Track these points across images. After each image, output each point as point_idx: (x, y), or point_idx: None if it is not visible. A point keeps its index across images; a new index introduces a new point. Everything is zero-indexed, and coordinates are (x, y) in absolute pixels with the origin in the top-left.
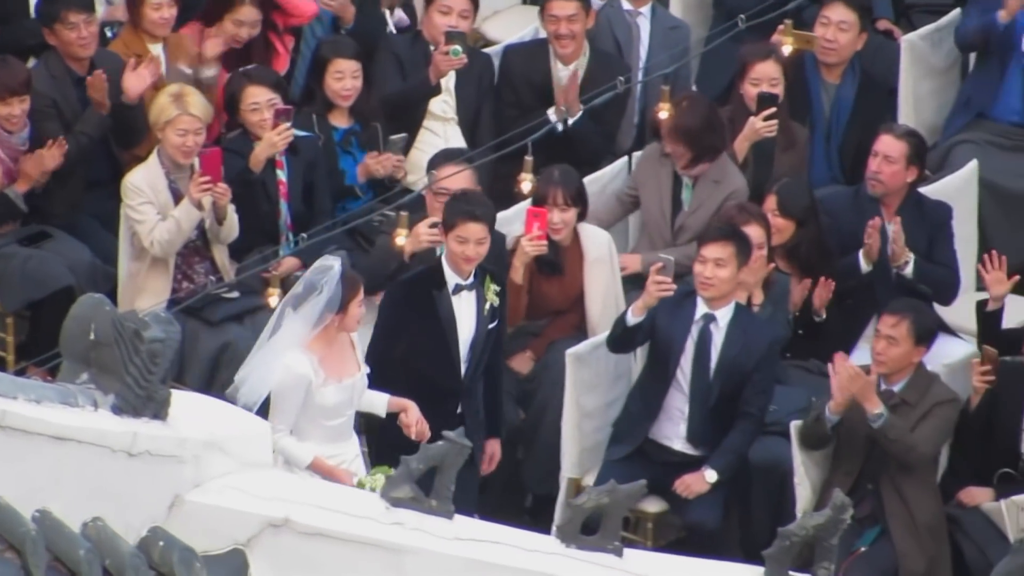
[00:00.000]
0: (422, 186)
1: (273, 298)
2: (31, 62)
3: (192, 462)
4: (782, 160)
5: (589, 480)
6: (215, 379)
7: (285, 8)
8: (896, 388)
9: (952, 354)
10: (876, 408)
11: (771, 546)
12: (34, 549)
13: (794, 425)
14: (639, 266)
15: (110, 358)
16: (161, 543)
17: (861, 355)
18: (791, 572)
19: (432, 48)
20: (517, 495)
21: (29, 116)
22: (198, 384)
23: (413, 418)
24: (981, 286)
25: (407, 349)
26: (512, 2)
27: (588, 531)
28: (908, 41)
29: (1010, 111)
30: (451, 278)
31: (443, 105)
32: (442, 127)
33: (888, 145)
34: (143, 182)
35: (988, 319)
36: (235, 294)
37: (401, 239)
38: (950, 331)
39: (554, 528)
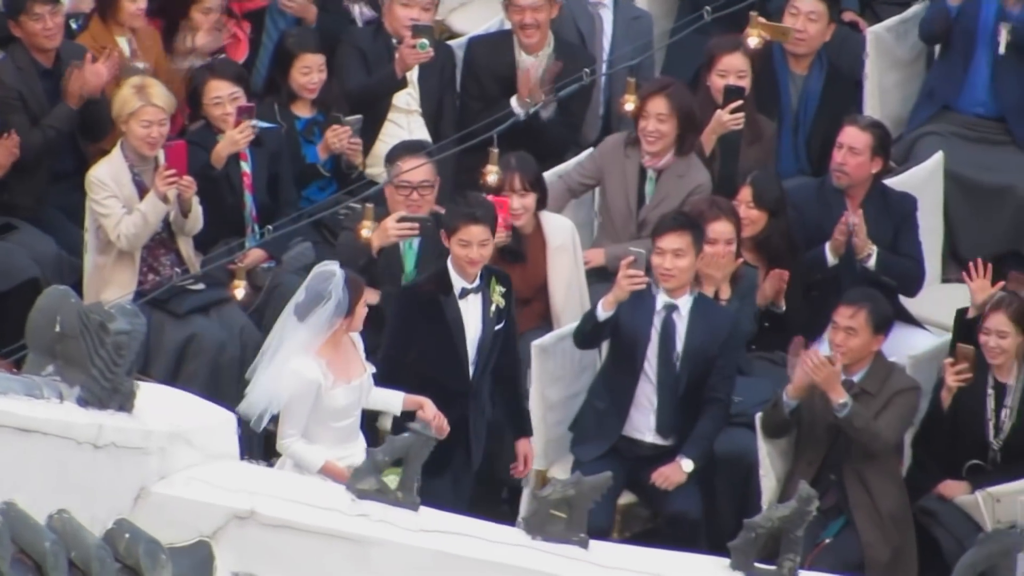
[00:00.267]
0: (386, 179)
1: (239, 290)
2: None
3: (158, 454)
4: (748, 153)
5: (555, 472)
6: (181, 371)
7: None
8: (856, 378)
9: (917, 345)
10: (841, 398)
11: (737, 538)
12: None
13: (759, 415)
14: (603, 260)
15: (76, 350)
16: (127, 535)
17: (824, 348)
18: (757, 564)
19: (395, 41)
20: (494, 487)
21: None
22: (164, 376)
23: (431, 414)
24: (947, 277)
25: (416, 354)
26: None
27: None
28: (874, 33)
29: (975, 103)
30: (457, 283)
31: (407, 97)
32: (406, 119)
33: (853, 136)
34: (107, 176)
35: (967, 326)
36: (201, 286)
37: (367, 231)
38: (916, 322)
39: (519, 520)
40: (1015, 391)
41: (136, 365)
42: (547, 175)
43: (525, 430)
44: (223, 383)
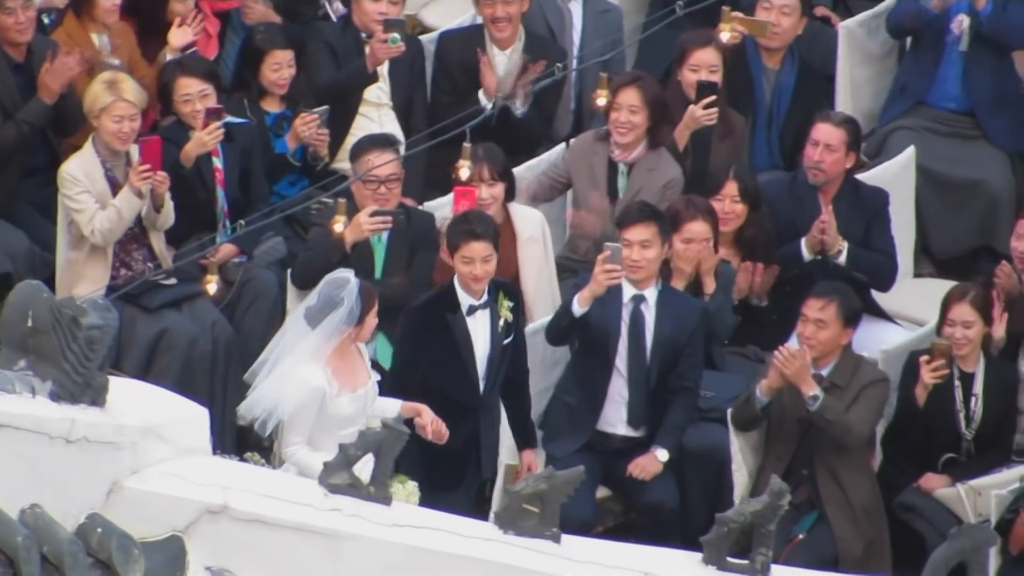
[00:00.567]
0: (359, 173)
1: (211, 285)
2: None
3: (130, 448)
4: (720, 148)
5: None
6: (153, 365)
7: None
8: (824, 372)
9: (889, 340)
10: (812, 390)
11: (709, 532)
12: None
13: (730, 411)
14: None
15: (48, 345)
16: (99, 530)
17: (794, 343)
18: (729, 558)
19: (364, 36)
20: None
21: None
22: (136, 371)
23: (428, 419)
24: (919, 272)
25: (426, 372)
26: None
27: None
28: (845, 28)
29: (946, 98)
30: (464, 300)
31: (377, 92)
32: (376, 113)
33: (828, 134)
34: (79, 171)
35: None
36: (173, 281)
37: (339, 226)
38: (887, 317)
39: (492, 514)
40: (980, 379)
41: (108, 360)
42: (520, 169)
43: (530, 441)
44: (195, 378)
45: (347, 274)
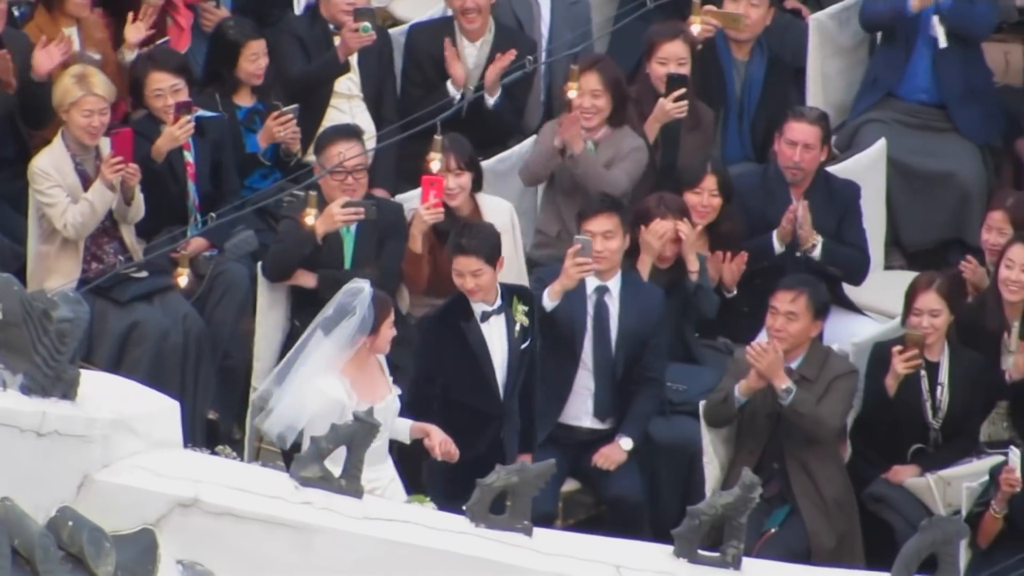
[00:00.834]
0: (330, 165)
1: (182, 278)
2: None
3: (101, 442)
4: (688, 140)
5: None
6: (124, 358)
7: None
8: (794, 365)
9: (860, 333)
10: (784, 383)
11: (680, 525)
12: None
13: (702, 404)
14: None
15: (19, 338)
16: (70, 523)
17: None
18: (701, 551)
19: (332, 27)
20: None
21: None
22: (107, 364)
23: (436, 440)
24: (889, 264)
25: (445, 383)
26: None
27: None
28: (816, 20)
29: (917, 90)
30: (477, 307)
31: (347, 83)
32: (347, 104)
33: (805, 133)
34: (49, 166)
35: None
36: (144, 274)
37: (310, 218)
38: (857, 310)
39: (465, 507)
40: (945, 368)
41: (79, 353)
42: (491, 162)
43: (529, 446)
44: (166, 371)
45: (362, 283)
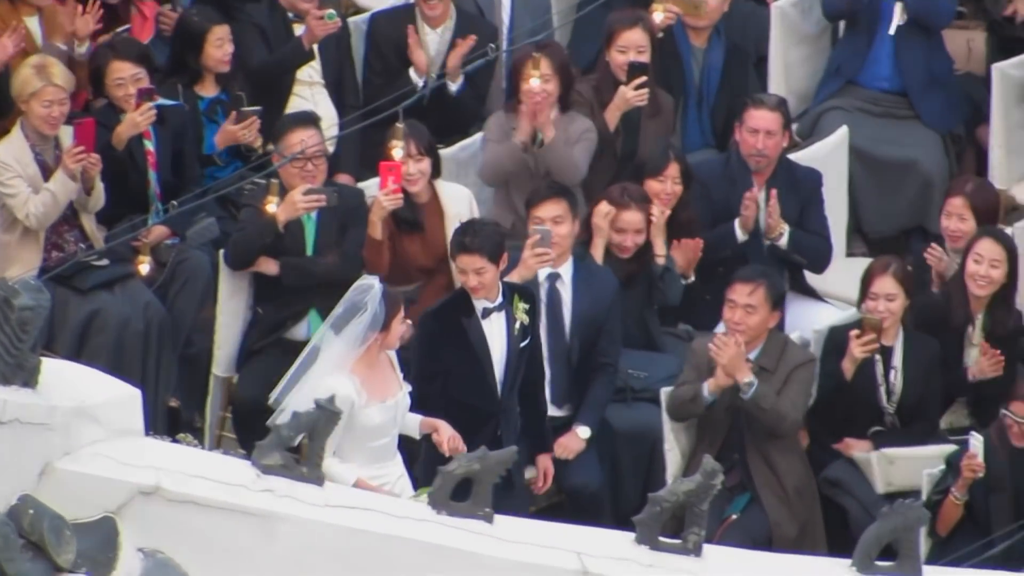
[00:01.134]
0: (292, 153)
1: (143, 266)
2: None
3: (62, 430)
4: (649, 127)
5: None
6: (85, 347)
7: None
8: (752, 356)
9: (822, 320)
10: (746, 377)
11: (642, 512)
12: None
13: (664, 392)
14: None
15: None
16: (31, 511)
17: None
18: (662, 537)
19: (291, 16)
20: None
21: None
22: (68, 352)
23: (445, 435)
24: (851, 252)
25: (444, 378)
26: None
27: None
28: (778, 8)
29: (879, 78)
30: (478, 303)
31: (309, 70)
32: (309, 91)
33: (767, 120)
34: (9, 156)
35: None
36: (105, 262)
37: (272, 206)
38: (819, 297)
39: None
40: (899, 352)
41: (40, 341)
42: (453, 149)
43: (546, 446)
44: (127, 359)
45: (371, 280)
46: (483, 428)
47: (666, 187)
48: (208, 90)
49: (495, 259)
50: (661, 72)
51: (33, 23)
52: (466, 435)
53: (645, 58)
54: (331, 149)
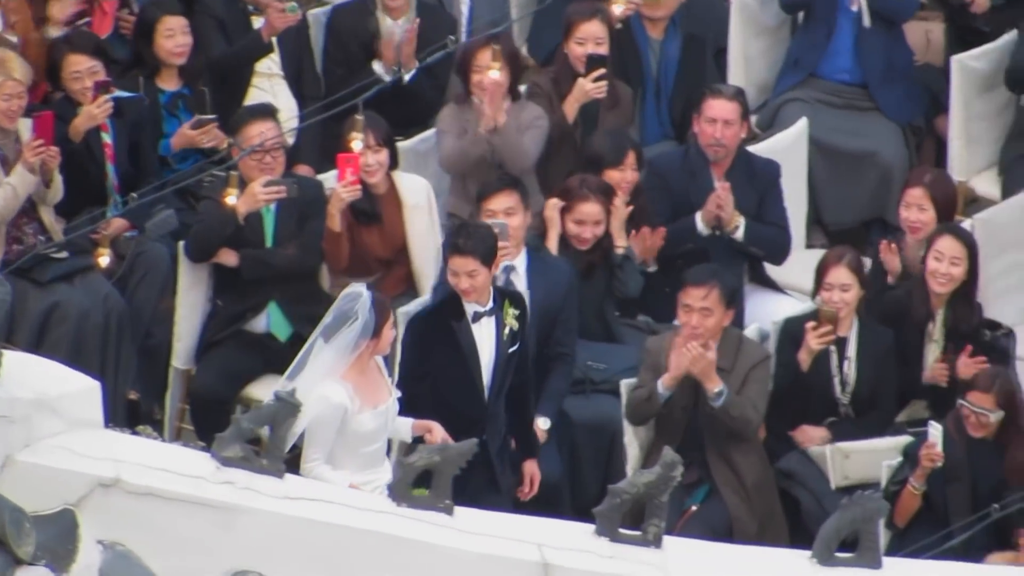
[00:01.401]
0: (251, 145)
1: (103, 258)
2: None
3: (22, 422)
4: (607, 119)
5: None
6: (44, 339)
7: None
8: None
9: (781, 312)
10: (716, 386)
11: (602, 503)
12: None
13: (624, 384)
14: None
15: None
16: None
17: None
18: (622, 529)
19: (251, 8)
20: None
21: None
22: (27, 344)
23: (439, 437)
24: (811, 243)
25: (431, 381)
26: None
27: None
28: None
29: (839, 70)
30: (469, 307)
31: (268, 62)
32: (269, 83)
33: (724, 109)
34: None
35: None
36: (64, 254)
37: (231, 199)
38: (778, 289)
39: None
40: (853, 343)
41: (1, 334)
42: (412, 141)
43: (532, 451)
44: (87, 351)
45: (359, 288)
46: (468, 432)
47: (625, 175)
48: (170, 83)
49: (488, 262)
50: (619, 64)
51: None
52: (452, 439)
53: (603, 50)
54: (290, 141)
